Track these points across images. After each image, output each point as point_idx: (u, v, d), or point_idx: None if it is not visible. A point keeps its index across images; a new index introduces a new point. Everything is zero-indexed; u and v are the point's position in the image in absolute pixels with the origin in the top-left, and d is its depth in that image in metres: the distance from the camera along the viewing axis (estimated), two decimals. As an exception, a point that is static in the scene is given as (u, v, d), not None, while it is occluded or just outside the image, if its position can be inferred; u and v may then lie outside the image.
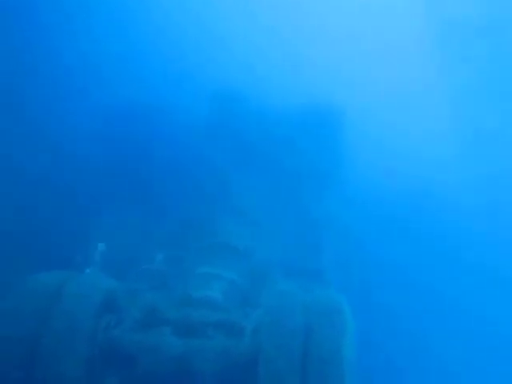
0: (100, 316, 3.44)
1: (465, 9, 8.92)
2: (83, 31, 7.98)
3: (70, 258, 5.50)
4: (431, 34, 8.92)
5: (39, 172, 6.59)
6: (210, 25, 9.13)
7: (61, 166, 6.82)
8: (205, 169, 6.43)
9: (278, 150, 6.65)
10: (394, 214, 7.79)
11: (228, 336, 3.66)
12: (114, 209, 6.24)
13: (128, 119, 7.73)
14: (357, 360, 3.38)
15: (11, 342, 3.16)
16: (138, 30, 8.65)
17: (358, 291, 5.86)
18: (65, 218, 6.20)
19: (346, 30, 9.58)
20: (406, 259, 7.02)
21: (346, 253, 6.17)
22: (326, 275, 5.44)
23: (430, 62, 9.08)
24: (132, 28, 8.61)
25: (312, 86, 8.01)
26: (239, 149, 6.57)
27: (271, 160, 6.54)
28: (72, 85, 7.64)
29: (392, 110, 9.03)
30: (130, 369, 3.43)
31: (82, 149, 7.10)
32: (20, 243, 5.74)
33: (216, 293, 4.13)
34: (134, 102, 7.88)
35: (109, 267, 5.41)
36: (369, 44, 9.54)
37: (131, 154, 7.37)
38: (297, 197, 6.19)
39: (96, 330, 3.38)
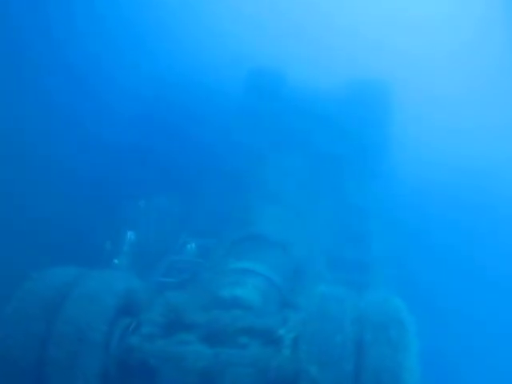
0: (115, 321, 2.82)
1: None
2: (108, 11, 7.46)
3: (100, 246, 5.00)
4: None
5: (72, 156, 6.14)
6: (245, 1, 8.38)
7: (94, 150, 6.35)
8: (241, 152, 5.76)
9: (319, 132, 5.88)
10: (448, 203, 6.85)
11: (264, 345, 2.97)
12: (147, 195, 5.68)
13: (162, 102, 7.20)
14: (422, 385, 2.62)
15: (11, 353, 2.60)
16: (170, 12, 8.08)
17: (410, 290, 5.07)
18: (96, 203, 5.70)
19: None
20: (464, 253, 6.11)
21: (395, 244, 5.36)
22: (375, 269, 4.65)
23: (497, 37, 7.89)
24: (160, 7, 8.03)
25: (358, 63, 7.12)
26: (277, 131, 5.84)
27: (312, 143, 5.79)
28: (105, 69, 7.18)
29: (446, 88, 7.96)
30: (150, 383, 2.82)
31: (115, 133, 6.61)
32: (49, 229, 5.28)
33: (251, 292, 3.43)
34: (169, 85, 7.34)
35: (138, 257, 4.87)
36: (421, 17, 8.43)
37: (165, 138, 6.83)
38: (340, 183, 5.40)
39: (110, 337, 2.77)
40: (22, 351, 2.60)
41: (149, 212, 5.31)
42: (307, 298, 3.21)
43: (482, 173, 7.17)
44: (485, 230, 6.57)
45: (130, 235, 4.80)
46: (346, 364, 2.57)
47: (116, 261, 4.64)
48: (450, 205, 6.76)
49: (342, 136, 5.78)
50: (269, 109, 5.98)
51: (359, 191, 5.38)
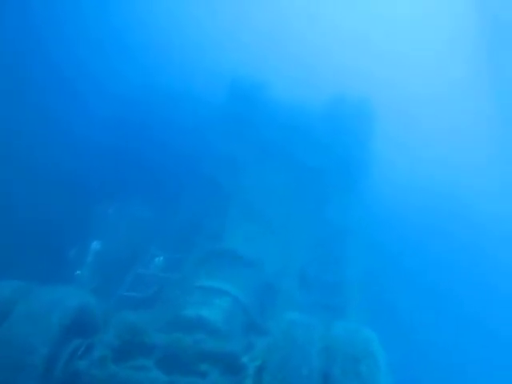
0: (61, 342, 2.53)
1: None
2: (96, 20, 7.36)
3: (63, 255, 4.67)
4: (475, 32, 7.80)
5: (41, 161, 5.80)
6: (227, 16, 8.34)
7: (66, 155, 6.03)
8: (217, 162, 5.52)
9: (299, 147, 5.70)
10: (421, 222, 6.75)
11: (225, 374, 2.71)
12: (118, 203, 5.37)
13: (140, 109, 6.95)
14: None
15: None
16: (153, 19, 7.98)
17: (383, 310, 4.88)
18: (64, 209, 5.35)
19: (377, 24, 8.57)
20: (437, 271, 5.98)
21: (369, 264, 5.18)
22: (350, 291, 4.44)
23: (464, 59, 7.95)
24: (147, 17, 7.96)
25: (339, 81, 7.05)
26: (255, 143, 5.63)
27: (289, 157, 5.60)
28: (85, 74, 6.98)
29: (421, 109, 7.97)
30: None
31: (89, 139, 6.32)
32: (10, 234, 4.91)
33: (216, 313, 3.17)
34: (148, 92, 7.12)
35: (103, 269, 4.55)
36: (400, 39, 8.49)
37: (141, 145, 6.56)
38: (316, 200, 5.21)
39: (53, 361, 2.47)
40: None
41: (118, 220, 5.00)
42: (275, 323, 2.97)
43: (456, 199, 7.16)
44: (458, 255, 6.50)
45: (95, 245, 4.49)
46: (311, 400, 2.33)
47: (79, 272, 4.32)
48: (425, 228, 6.68)
49: (321, 152, 5.62)
50: (249, 119, 5.79)
51: (338, 209, 5.19)
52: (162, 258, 4.47)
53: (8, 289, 2.63)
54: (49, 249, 4.59)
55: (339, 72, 7.50)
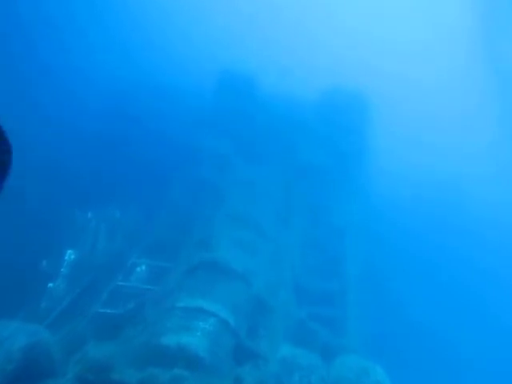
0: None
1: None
2: (87, 16, 6.99)
3: (35, 265, 4.17)
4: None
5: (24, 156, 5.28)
6: (218, 8, 7.90)
7: (49, 151, 5.52)
8: (208, 161, 5.02)
9: (291, 142, 5.21)
10: (426, 214, 6.33)
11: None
12: (98, 206, 4.85)
13: (131, 104, 6.48)
14: None
15: None
16: (143, 14, 7.60)
17: (388, 311, 4.45)
18: (39, 212, 4.82)
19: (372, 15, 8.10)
20: (443, 263, 5.59)
21: (372, 265, 4.71)
22: (347, 299, 3.97)
23: (466, 41, 7.46)
24: (138, 11, 7.56)
25: (334, 71, 6.59)
26: (247, 140, 5.13)
27: (282, 153, 5.10)
28: (75, 69, 6.57)
29: (421, 99, 7.53)
30: None
31: (76, 132, 5.82)
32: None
33: (200, 340, 2.68)
34: (138, 85, 6.65)
35: (79, 279, 4.06)
36: (391, 32, 8.06)
37: (130, 141, 6.06)
38: (312, 199, 4.72)
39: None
40: None
41: (97, 225, 4.49)
42: (269, 354, 2.48)
43: (457, 189, 6.89)
44: (461, 244, 6.17)
45: (70, 254, 3.98)
46: None
47: (51, 285, 3.82)
48: (426, 219, 6.33)
49: (318, 146, 5.13)
50: (241, 114, 5.28)
51: (336, 208, 4.71)
52: (144, 268, 3.99)
53: None
54: (16, 259, 4.06)
55: (334, 63, 7.09)
